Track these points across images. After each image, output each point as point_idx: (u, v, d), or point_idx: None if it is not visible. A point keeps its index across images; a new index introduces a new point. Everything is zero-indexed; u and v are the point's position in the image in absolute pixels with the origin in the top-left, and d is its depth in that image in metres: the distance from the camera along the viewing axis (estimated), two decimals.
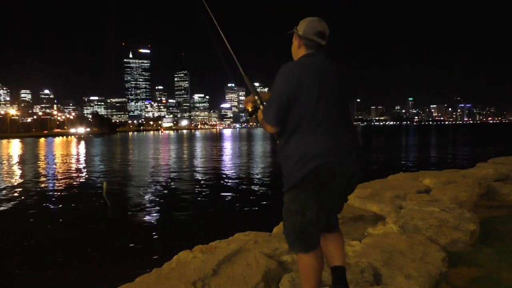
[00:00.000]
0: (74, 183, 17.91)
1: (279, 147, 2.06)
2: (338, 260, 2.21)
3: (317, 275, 2.07)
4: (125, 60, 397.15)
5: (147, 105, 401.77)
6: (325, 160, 1.89)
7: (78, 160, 32.56)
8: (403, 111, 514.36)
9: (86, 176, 20.55)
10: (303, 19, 2.11)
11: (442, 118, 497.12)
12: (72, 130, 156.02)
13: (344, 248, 2.28)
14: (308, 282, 2.07)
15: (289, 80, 1.93)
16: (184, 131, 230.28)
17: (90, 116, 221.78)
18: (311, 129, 1.92)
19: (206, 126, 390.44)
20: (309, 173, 1.89)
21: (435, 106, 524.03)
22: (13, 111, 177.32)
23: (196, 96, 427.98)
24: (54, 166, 26.68)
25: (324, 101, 1.92)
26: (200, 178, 18.93)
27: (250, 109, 2.22)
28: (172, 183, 17.22)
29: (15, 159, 34.02)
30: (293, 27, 2.12)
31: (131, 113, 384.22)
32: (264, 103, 2.16)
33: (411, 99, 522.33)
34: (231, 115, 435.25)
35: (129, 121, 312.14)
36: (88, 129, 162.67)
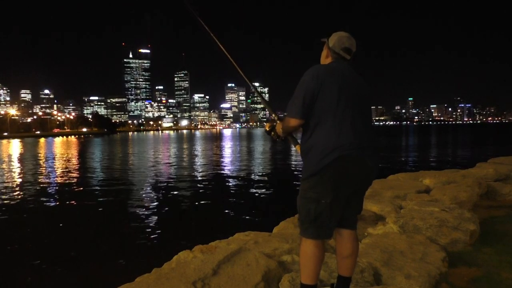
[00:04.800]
0: (73, 183, 17.90)
1: (301, 143, 2.23)
2: (348, 270, 2.30)
3: (317, 264, 2.18)
4: (125, 60, 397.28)
5: (147, 105, 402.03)
6: (345, 152, 2.04)
7: (77, 160, 32.55)
8: (403, 111, 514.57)
9: (86, 176, 20.54)
10: (335, 33, 2.33)
11: (442, 118, 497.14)
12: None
13: (357, 255, 2.33)
14: (307, 270, 2.18)
15: (314, 77, 2.11)
16: (184, 131, 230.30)
17: (90, 116, 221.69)
18: (332, 124, 2.08)
19: (206, 126, 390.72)
20: (329, 164, 2.04)
21: (435, 106, 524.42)
22: (13, 111, 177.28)
23: (196, 96, 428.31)
24: (53, 166, 26.68)
25: (344, 100, 2.10)
26: (200, 178, 18.93)
27: (267, 129, 2.47)
28: (172, 183, 17.21)
29: (15, 159, 34.03)
30: (326, 37, 2.34)
31: (131, 113, 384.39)
32: (278, 121, 2.40)
33: (411, 99, 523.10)
34: (231, 115, 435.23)
35: (129, 121, 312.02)
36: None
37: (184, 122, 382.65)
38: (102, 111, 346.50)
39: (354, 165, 2.08)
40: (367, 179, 2.21)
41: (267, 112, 2.57)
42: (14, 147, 57.41)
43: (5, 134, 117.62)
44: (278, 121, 2.40)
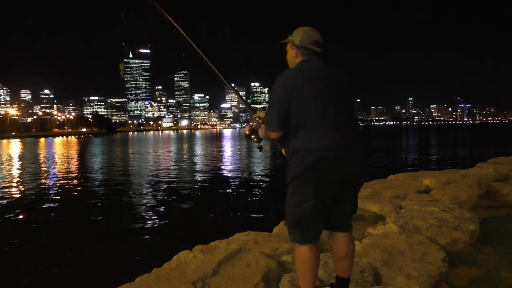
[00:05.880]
0: (73, 183, 17.90)
1: (284, 147, 2.17)
2: (345, 272, 2.27)
3: (311, 268, 2.13)
4: (125, 60, 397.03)
5: (147, 105, 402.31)
6: (324, 154, 1.99)
7: (77, 160, 32.55)
8: (403, 111, 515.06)
9: (86, 176, 20.54)
10: (297, 29, 2.21)
11: (442, 118, 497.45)
12: None
13: (353, 257, 2.29)
14: (303, 275, 2.14)
15: (284, 85, 2.05)
16: (184, 131, 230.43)
17: (90, 116, 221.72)
18: (311, 127, 2.02)
19: (206, 126, 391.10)
20: (308, 166, 1.99)
21: (435, 106, 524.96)
22: (13, 111, 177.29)
23: (196, 96, 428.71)
24: (53, 166, 26.68)
25: (321, 100, 2.03)
26: (200, 178, 18.93)
27: (247, 132, 2.42)
28: (172, 183, 17.21)
29: (15, 159, 34.03)
30: (288, 36, 2.22)
31: (131, 113, 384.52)
32: (263, 125, 2.34)
33: (411, 99, 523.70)
34: (231, 115, 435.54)
35: (129, 121, 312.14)
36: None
37: (184, 122, 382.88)
38: (102, 111, 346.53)
39: (334, 167, 2.01)
40: (352, 181, 2.12)
41: None
42: (14, 147, 57.40)
43: (5, 134, 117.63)
44: (262, 125, 2.32)
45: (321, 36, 2.19)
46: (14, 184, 17.54)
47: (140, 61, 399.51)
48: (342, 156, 2.01)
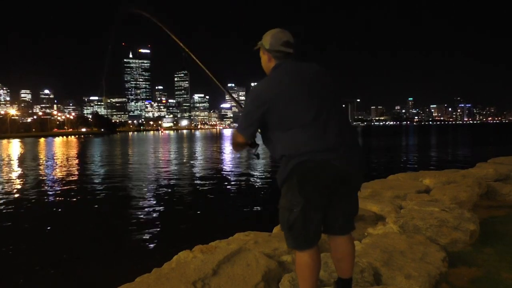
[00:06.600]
0: (73, 183, 17.90)
1: (273, 152, 2.13)
2: (345, 272, 2.25)
3: (312, 274, 2.09)
4: (125, 60, 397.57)
5: (147, 105, 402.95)
6: (307, 157, 1.93)
7: (77, 160, 32.55)
8: (403, 111, 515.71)
9: (86, 176, 20.53)
10: (266, 33, 2.15)
11: (442, 118, 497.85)
12: None
13: (353, 257, 2.26)
14: (304, 280, 2.12)
15: (260, 97, 2.00)
16: (184, 131, 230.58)
17: (90, 116, 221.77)
18: (296, 131, 1.96)
19: (206, 126, 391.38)
20: (291, 170, 1.96)
21: (435, 106, 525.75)
22: (13, 111, 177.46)
23: (196, 96, 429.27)
24: (53, 166, 26.68)
25: (301, 103, 1.96)
26: (200, 178, 18.92)
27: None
28: (172, 183, 17.20)
29: (15, 159, 34.03)
30: (257, 42, 2.18)
31: (131, 113, 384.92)
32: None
33: (411, 99, 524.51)
34: (231, 115, 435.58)
35: (129, 121, 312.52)
36: None
37: (184, 122, 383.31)
38: (102, 111, 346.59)
39: (320, 169, 1.93)
40: (346, 182, 2.02)
41: None
42: (14, 147, 57.41)
43: (5, 134, 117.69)
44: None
45: (291, 36, 2.12)
46: (14, 184, 17.54)
47: (140, 61, 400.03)
48: (331, 157, 1.93)
